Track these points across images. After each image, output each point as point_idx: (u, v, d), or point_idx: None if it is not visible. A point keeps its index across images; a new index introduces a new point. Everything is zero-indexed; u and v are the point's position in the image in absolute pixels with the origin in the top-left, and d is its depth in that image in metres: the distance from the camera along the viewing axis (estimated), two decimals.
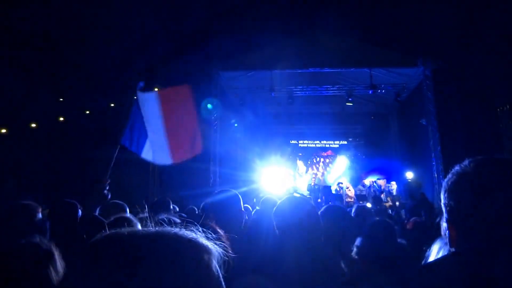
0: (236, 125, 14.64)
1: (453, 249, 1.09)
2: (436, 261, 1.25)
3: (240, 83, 13.21)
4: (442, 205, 1.11)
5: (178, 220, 2.08)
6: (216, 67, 12.29)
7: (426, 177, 12.34)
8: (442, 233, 1.73)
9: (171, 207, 4.45)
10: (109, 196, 2.83)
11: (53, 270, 1.30)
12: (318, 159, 17.11)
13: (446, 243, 1.39)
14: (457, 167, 1.10)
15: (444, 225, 1.46)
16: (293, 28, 11.34)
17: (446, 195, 1.10)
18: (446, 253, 1.38)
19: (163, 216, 2.18)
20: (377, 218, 2.98)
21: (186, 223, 0.78)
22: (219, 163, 12.21)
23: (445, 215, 1.11)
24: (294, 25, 11.36)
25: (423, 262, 1.62)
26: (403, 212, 8.55)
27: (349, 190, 14.20)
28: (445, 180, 1.12)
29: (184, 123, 4.41)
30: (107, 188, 2.81)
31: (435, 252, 1.52)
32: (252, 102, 14.16)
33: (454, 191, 1.08)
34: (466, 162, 1.10)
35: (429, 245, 1.71)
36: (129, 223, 2.09)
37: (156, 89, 4.46)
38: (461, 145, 10.62)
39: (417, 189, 12.12)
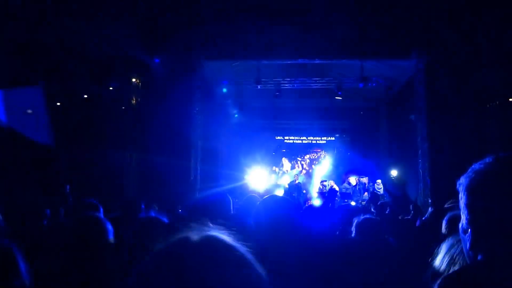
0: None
1: (471, 253, 1.09)
2: (462, 269, 1.23)
3: (224, 74, 12.96)
4: (463, 206, 1.09)
5: (165, 220, 2.14)
6: (200, 56, 11.82)
7: (411, 175, 12.33)
8: (460, 232, 1.52)
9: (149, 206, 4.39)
10: (70, 198, 2.71)
11: (13, 272, 1.31)
12: (304, 156, 17.24)
13: (457, 242, 1.39)
14: (479, 165, 1.08)
15: (460, 226, 1.32)
16: (283, 16, 11.16)
17: (469, 195, 1.08)
18: (457, 252, 1.37)
19: (148, 214, 2.26)
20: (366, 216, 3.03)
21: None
22: (201, 159, 11.91)
23: (465, 216, 1.09)
24: (284, 13, 11.18)
25: (430, 260, 1.52)
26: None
27: (335, 187, 14.04)
28: (466, 179, 1.09)
29: None
30: (68, 189, 2.75)
31: (444, 251, 1.46)
32: (237, 95, 14.33)
33: (480, 191, 1.06)
34: (489, 159, 1.07)
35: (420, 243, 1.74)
36: (97, 223, 1.98)
37: None
38: (449, 143, 10.65)
39: (401, 186, 11.87)
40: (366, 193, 13.29)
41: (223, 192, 2.58)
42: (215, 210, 2.36)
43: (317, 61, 11.93)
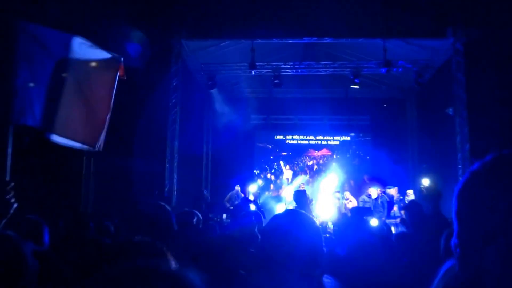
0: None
1: (459, 273, 1.10)
2: None
3: (209, 56, 12.65)
4: (453, 215, 1.09)
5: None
6: (178, 35, 11.63)
7: (448, 185, 11.61)
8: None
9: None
10: (15, 205, 2.45)
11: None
12: (308, 161, 16.86)
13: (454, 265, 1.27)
14: (476, 165, 1.07)
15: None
16: None
17: (459, 201, 1.08)
18: (450, 279, 1.29)
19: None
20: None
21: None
22: (178, 164, 11.84)
23: (455, 227, 1.09)
24: None
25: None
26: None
27: (350, 202, 13.33)
28: (459, 182, 1.09)
29: (91, 101, 4.24)
30: (11, 194, 2.44)
31: (439, 276, 1.38)
32: (226, 83, 14.32)
33: (465, 194, 1.06)
34: (489, 157, 1.05)
35: None
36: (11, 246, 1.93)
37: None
38: (496, 143, 9.93)
39: (433, 200, 11.43)
40: (396, 208, 12.60)
41: (160, 203, 2.56)
42: (153, 225, 2.36)
43: (327, 40, 11.74)
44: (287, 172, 16.19)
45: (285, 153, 16.78)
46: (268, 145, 16.52)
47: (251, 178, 15.27)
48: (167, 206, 2.56)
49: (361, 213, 12.19)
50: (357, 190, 14.65)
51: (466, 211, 1.04)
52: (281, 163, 16.38)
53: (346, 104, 15.53)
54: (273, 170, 16.48)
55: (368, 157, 16.60)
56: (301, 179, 15.47)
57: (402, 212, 11.30)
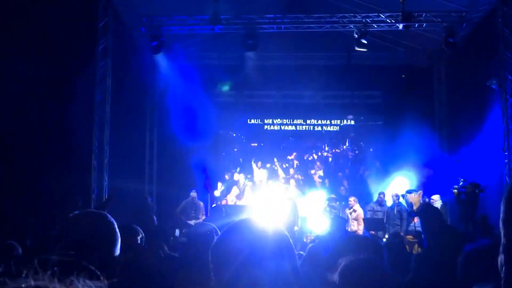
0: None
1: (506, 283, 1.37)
2: None
3: (154, 5, 12.66)
4: (500, 223, 1.35)
5: None
6: None
7: (491, 185, 12.29)
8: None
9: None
10: None
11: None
12: (290, 154, 17.17)
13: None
14: None
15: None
16: None
17: (504, 206, 1.33)
18: None
19: None
20: None
21: None
22: (110, 160, 12.17)
23: (503, 235, 1.33)
24: None
25: None
26: None
27: (355, 211, 13.57)
28: (508, 187, 1.36)
29: None
30: None
31: None
32: (178, 44, 14.48)
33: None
34: None
35: None
36: None
37: None
38: None
39: (471, 201, 12.23)
40: (417, 219, 12.48)
41: (97, 213, 2.61)
42: (86, 246, 2.36)
43: None
44: (259, 173, 16.32)
45: (255, 144, 16.97)
46: (231, 133, 16.80)
47: (217, 180, 15.60)
48: (108, 217, 2.60)
49: (370, 225, 13.12)
50: (354, 192, 14.88)
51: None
52: (253, 162, 16.51)
53: (348, 75, 15.45)
54: (238, 169, 16.68)
55: (371, 149, 16.77)
56: (280, 182, 15.55)
57: (415, 220, 12.38)
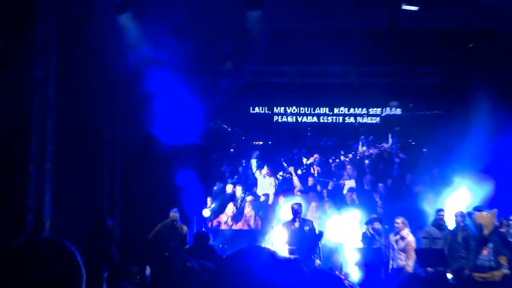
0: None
1: None
2: None
3: None
4: None
5: None
6: None
7: None
8: None
9: None
10: None
11: None
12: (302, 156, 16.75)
13: None
14: None
15: None
16: None
17: None
18: None
19: None
20: None
21: None
22: (55, 166, 11.42)
23: None
24: None
25: None
26: None
27: (403, 239, 12.57)
28: None
29: None
30: None
31: None
32: (158, 9, 13.69)
33: None
34: None
35: None
36: None
37: None
38: None
39: None
40: (486, 250, 11.58)
41: (52, 240, 2.31)
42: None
43: None
44: (265, 183, 15.70)
45: (259, 142, 16.25)
46: (225, 127, 16.25)
47: (206, 195, 15.34)
48: (68, 247, 2.35)
49: (425, 259, 12.22)
50: (398, 211, 13.72)
51: None
52: (253, 162, 15.89)
53: (393, 45, 14.26)
54: (235, 178, 16.03)
55: (425, 150, 15.94)
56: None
57: (486, 251, 11.45)
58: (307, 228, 12.34)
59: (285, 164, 16.62)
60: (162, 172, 14.33)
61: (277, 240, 12.77)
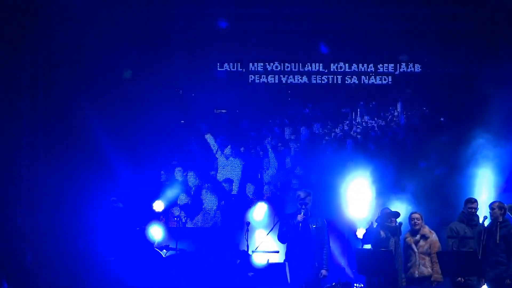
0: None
1: None
2: None
3: None
4: None
5: None
6: None
7: None
8: None
9: None
10: None
11: None
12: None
13: None
14: None
15: None
16: None
17: None
18: None
19: None
20: None
21: None
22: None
23: None
24: None
25: None
26: None
27: (426, 238, 11.00)
28: None
29: None
30: None
31: None
32: None
33: None
34: None
35: None
36: None
37: None
38: None
39: None
40: None
41: None
42: None
43: None
44: (228, 163, 14.45)
45: (222, 111, 14.52)
46: (179, 91, 14.28)
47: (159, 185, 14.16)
48: None
49: (448, 266, 10.65)
50: (414, 203, 12.42)
51: None
52: (216, 147, 14.28)
53: None
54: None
55: (442, 119, 14.41)
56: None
57: None
58: (314, 226, 10.44)
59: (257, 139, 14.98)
60: (96, 153, 12.45)
61: (262, 239, 11.30)
